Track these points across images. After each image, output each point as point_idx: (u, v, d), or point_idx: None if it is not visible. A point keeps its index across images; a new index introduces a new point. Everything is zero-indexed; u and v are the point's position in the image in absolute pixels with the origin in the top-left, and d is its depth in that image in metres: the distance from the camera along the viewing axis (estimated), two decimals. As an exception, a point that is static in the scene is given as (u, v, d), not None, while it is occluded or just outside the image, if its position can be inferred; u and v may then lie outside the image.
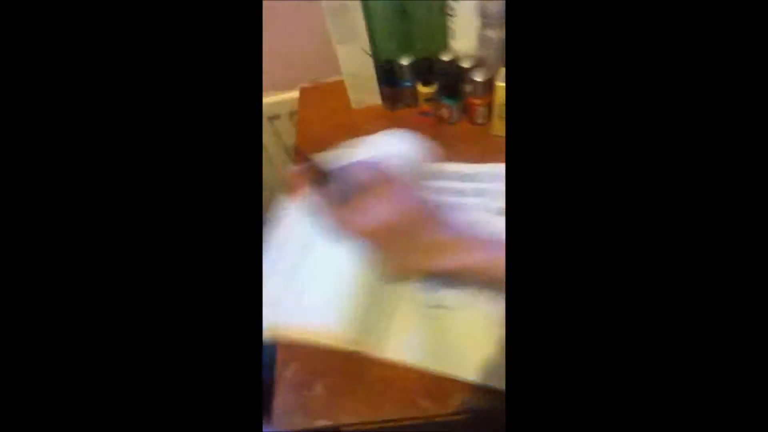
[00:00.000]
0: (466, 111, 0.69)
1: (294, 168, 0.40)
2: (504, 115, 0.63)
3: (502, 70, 0.60)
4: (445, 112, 0.69)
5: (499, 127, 0.66)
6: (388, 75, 0.71)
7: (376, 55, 0.71)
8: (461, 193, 0.61)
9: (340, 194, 0.43)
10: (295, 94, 0.87)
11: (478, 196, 0.60)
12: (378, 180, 0.43)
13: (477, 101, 0.65)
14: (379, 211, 0.41)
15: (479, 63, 0.66)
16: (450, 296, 0.53)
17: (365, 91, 0.75)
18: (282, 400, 0.50)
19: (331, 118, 0.79)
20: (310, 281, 0.51)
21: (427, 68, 0.67)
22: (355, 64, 0.71)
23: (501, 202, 0.59)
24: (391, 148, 0.57)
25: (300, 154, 0.41)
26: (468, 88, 0.67)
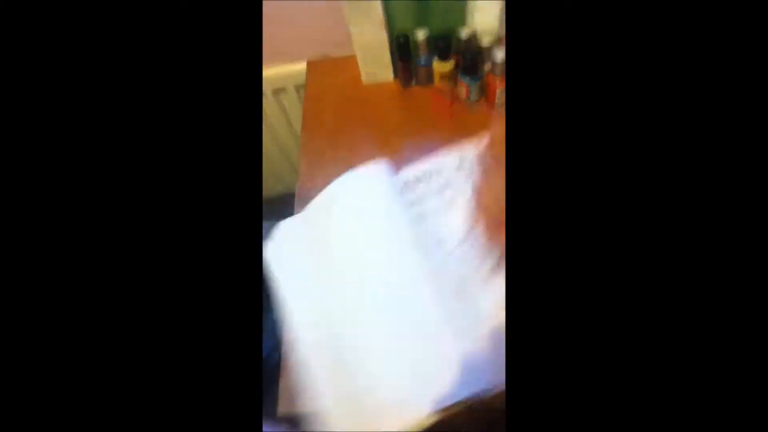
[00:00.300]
0: (485, 91, 0.66)
1: None
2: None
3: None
4: (462, 91, 0.66)
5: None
6: (402, 49, 0.68)
7: (390, 28, 0.67)
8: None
9: None
10: (302, 65, 0.84)
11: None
12: None
13: (497, 81, 0.63)
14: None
15: (500, 40, 0.63)
16: None
17: (378, 66, 0.72)
18: (288, 381, 0.49)
19: (340, 92, 0.76)
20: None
21: (445, 44, 0.64)
22: (368, 37, 0.68)
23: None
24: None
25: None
26: (487, 66, 0.64)
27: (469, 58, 0.63)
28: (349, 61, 0.76)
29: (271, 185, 1.12)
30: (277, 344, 0.54)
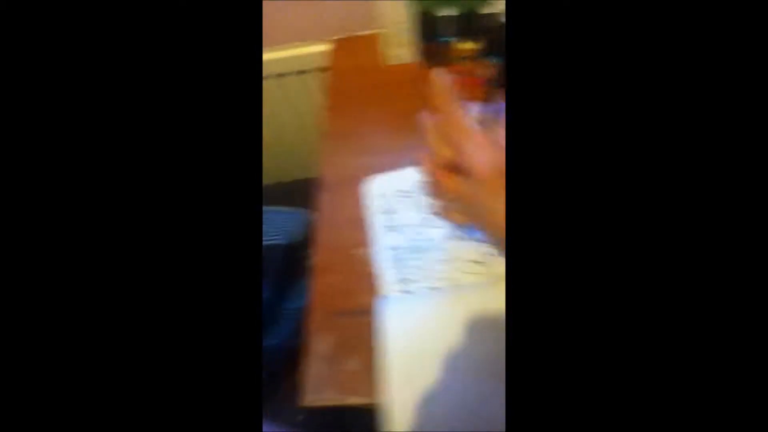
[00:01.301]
0: (513, 71, 0.63)
1: None
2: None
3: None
4: (489, 72, 0.63)
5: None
6: (427, 29, 0.65)
7: (415, 7, 0.65)
8: None
9: None
10: (324, 47, 0.82)
11: None
12: None
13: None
14: None
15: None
16: None
17: (402, 46, 0.70)
18: (313, 372, 0.49)
19: (363, 74, 0.74)
20: None
21: (471, 22, 0.61)
22: (393, 15, 0.65)
23: None
24: None
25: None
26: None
27: (496, 37, 0.60)
28: (373, 39, 0.74)
29: (277, 172, 1.11)
30: (296, 330, 0.54)
